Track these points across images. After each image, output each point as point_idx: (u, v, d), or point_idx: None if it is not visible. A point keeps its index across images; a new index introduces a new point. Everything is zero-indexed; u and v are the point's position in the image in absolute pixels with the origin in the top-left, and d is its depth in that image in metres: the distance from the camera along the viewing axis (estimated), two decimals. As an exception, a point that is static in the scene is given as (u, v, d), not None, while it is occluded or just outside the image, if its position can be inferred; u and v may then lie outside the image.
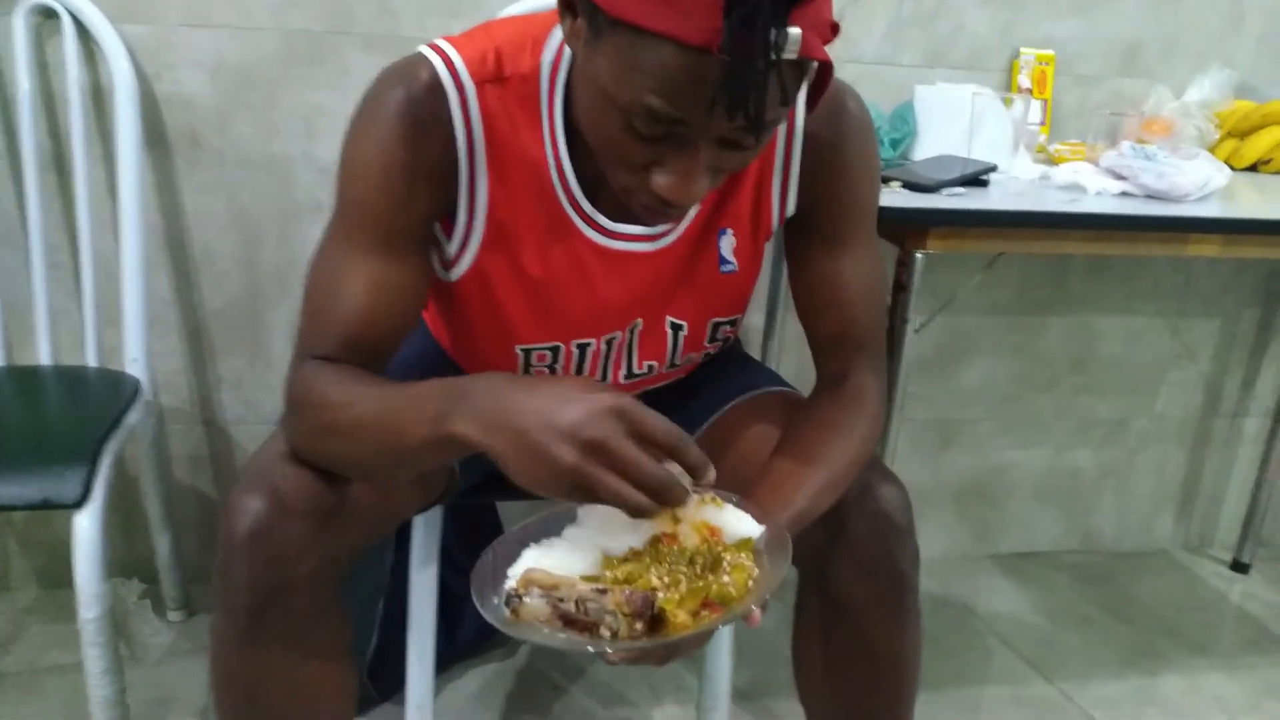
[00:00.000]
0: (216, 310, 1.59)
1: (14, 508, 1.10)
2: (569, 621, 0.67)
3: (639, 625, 0.66)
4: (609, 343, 0.98)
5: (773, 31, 0.63)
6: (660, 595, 0.67)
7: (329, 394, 0.80)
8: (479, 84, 0.83)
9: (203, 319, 1.59)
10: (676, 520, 0.72)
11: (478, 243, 0.89)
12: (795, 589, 1.01)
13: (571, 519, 0.76)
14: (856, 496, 0.91)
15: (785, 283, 1.55)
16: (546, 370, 0.98)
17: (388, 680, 1.40)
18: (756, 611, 0.70)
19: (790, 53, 0.65)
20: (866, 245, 0.97)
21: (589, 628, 0.66)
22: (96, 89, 1.45)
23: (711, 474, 0.70)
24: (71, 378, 1.44)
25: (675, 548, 0.71)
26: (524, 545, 0.74)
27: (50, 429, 1.25)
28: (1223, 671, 1.71)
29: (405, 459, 0.79)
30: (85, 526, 1.13)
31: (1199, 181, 1.35)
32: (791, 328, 1.62)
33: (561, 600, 0.67)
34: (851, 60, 1.63)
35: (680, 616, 0.67)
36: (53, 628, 1.57)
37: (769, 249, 1.03)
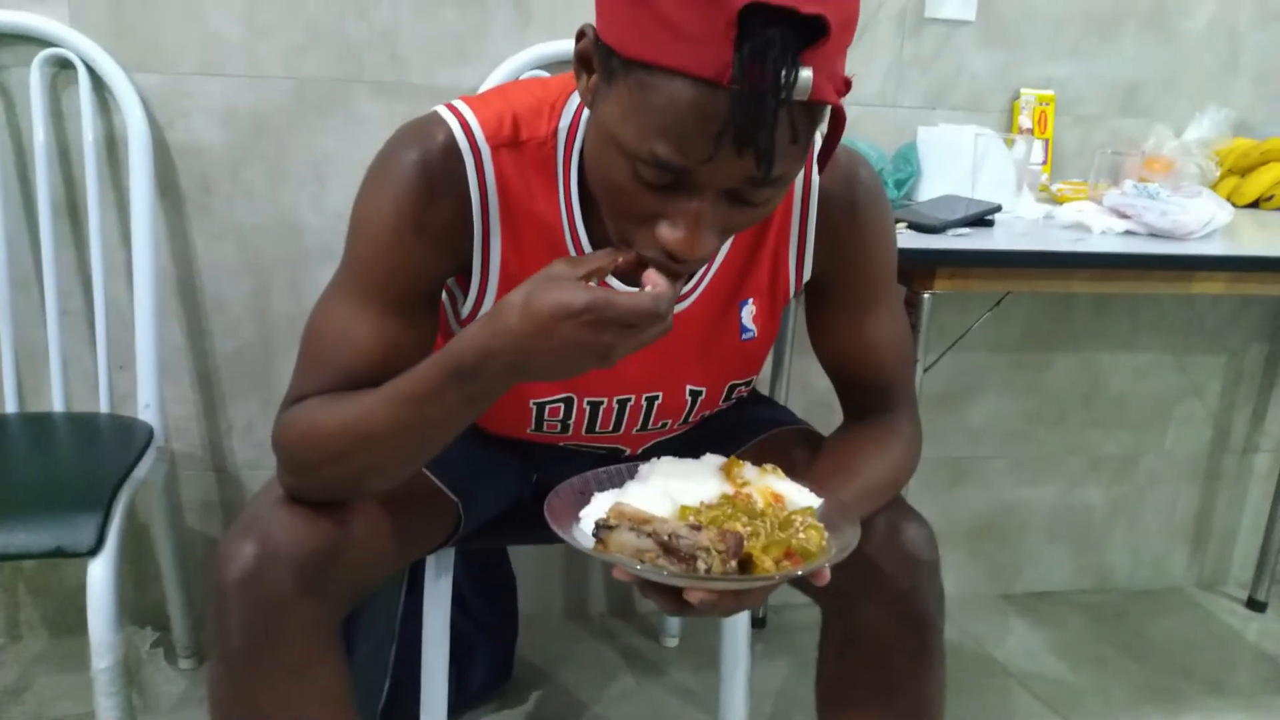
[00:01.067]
0: (228, 356, 1.60)
1: (28, 556, 1.10)
2: (665, 550, 0.67)
3: (733, 564, 0.67)
4: (622, 403, 0.98)
5: (784, 68, 0.63)
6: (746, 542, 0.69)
7: (318, 416, 0.80)
8: (494, 148, 0.83)
9: (214, 365, 1.60)
10: (743, 483, 0.75)
11: (491, 300, 0.89)
12: (818, 628, 1.01)
13: (632, 475, 0.79)
14: (883, 535, 0.91)
15: (792, 324, 1.58)
16: (559, 425, 0.98)
17: (399, 727, 1.38)
18: (827, 569, 0.71)
19: (801, 93, 0.64)
20: (889, 306, 0.98)
21: (679, 557, 0.67)
22: (110, 138, 1.47)
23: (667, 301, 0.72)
24: (84, 424, 1.44)
25: (750, 506, 0.73)
26: (586, 493, 0.78)
27: (63, 476, 1.26)
28: (1241, 712, 1.68)
29: (419, 424, 0.77)
30: (99, 575, 1.12)
31: (1202, 219, 1.36)
32: (798, 371, 1.64)
33: (652, 534, 0.68)
34: (853, 102, 1.65)
35: (765, 562, 0.68)
36: (63, 677, 1.55)
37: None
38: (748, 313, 0.95)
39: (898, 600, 0.92)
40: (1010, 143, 1.46)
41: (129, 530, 1.57)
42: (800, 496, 0.76)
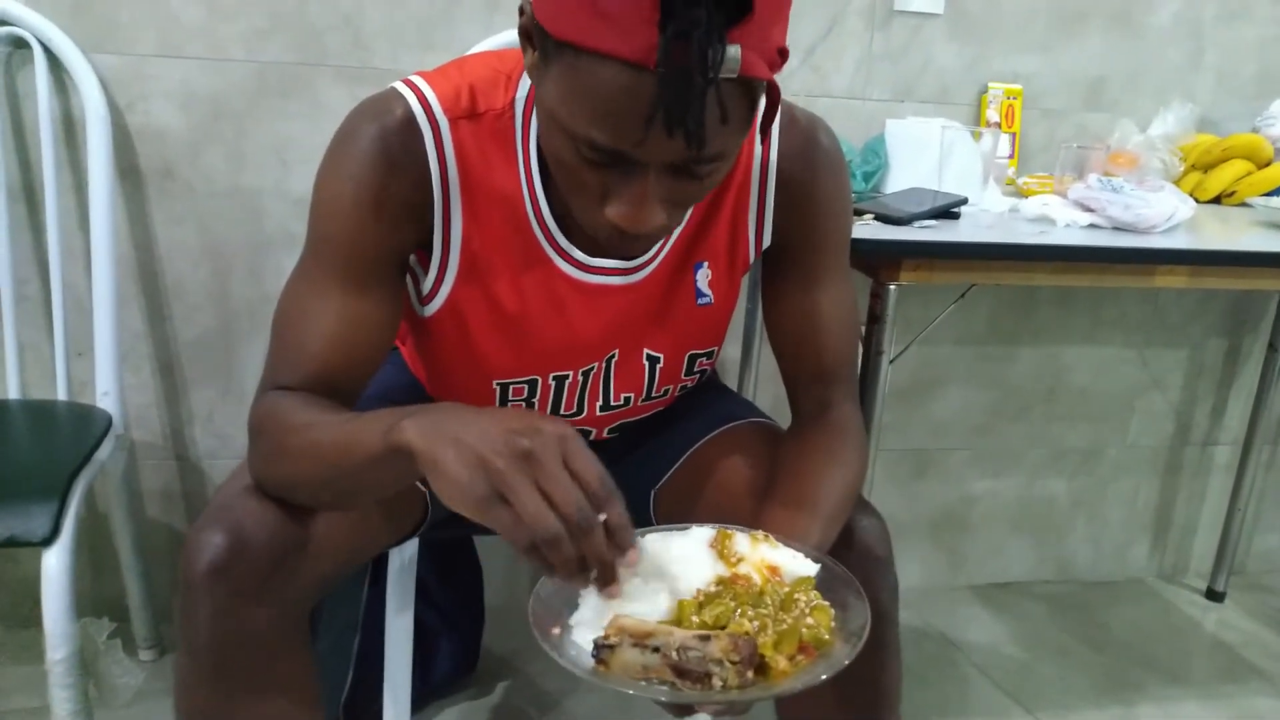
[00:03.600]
0: (188, 343, 1.58)
1: (-20, 545, 1.08)
2: (678, 673, 0.62)
3: (750, 674, 0.62)
4: (585, 374, 0.98)
5: (710, 47, 0.62)
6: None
7: (289, 418, 0.80)
8: (453, 120, 0.83)
9: (175, 352, 1.58)
10: (737, 560, 0.70)
11: (453, 277, 0.89)
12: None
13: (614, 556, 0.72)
14: (836, 538, 0.90)
15: (760, 316, 1.57)
16: (523, 405, 0.98)
17: (364, 717, 1.37)
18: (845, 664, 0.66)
19: (729, 71, 0.64)
20: (841, 278, 0.98)
21: (694, 678, 0.62)
22: (68, 119, 1.44)
23: (629, 542, 0.65)
24: (41, 412, 1.42)
25: (749, 588, 0.68)
26: (568, 588, 0.69)
27: (18, 465, 1.23)
28: (1198, 701, 1.71)
29: (358, 477, 0.75)
30: (54, 564, 1.10)
31: (1165, 213, 1.37)
32: (768, 360, 1.63)
33: (658, 649, 0.63)
34: (823, 95, 1.65)
35: (780, 663, 0.64)
36: (17, 669, 1.53)
37: (744, 282, 1.04)
38: (702, 276, 0.95)
39: None
40: (977, 136, 1.46)
41: (88, 520, 1.56)
42: (796, 565, 0.72)
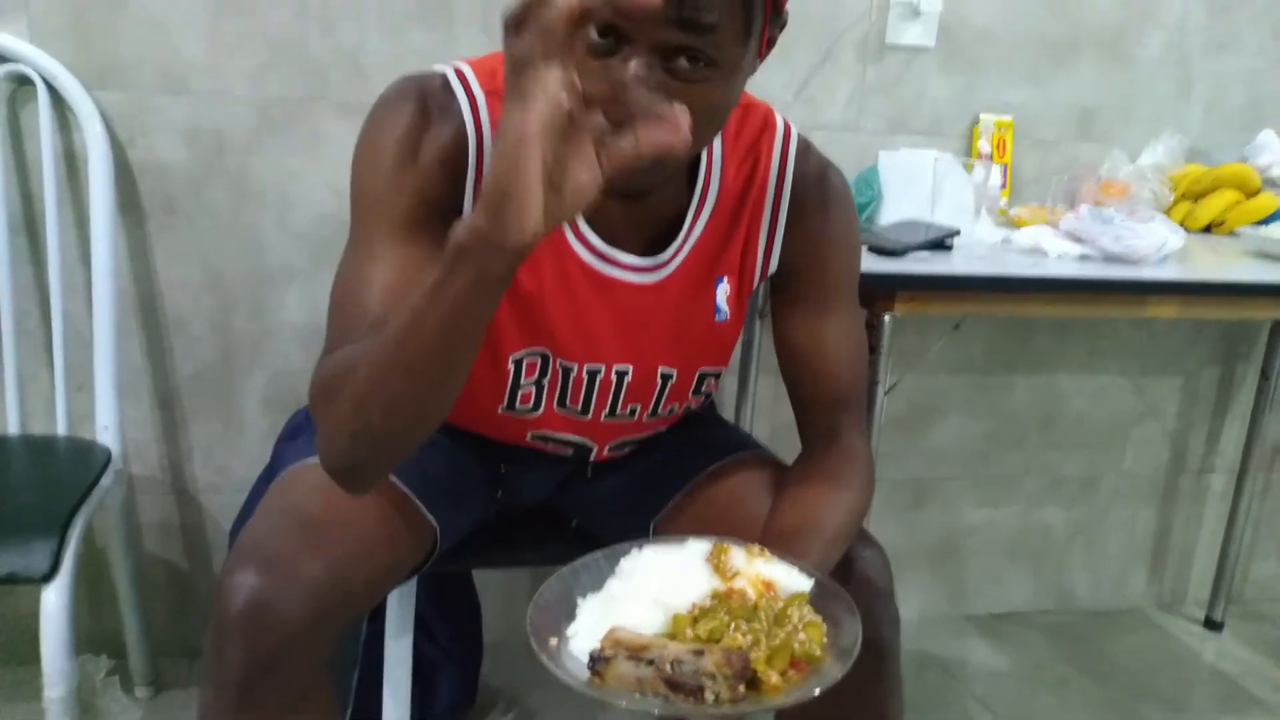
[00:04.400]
0: (189, 377, 1.58)
1: (-21, 582, 1.08)
2: (671, 686, 0.63)
3: (741, 688, 0.63)
4: (592, 375, 0.98)
5: None
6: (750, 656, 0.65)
7: (351, 352, 0.76)
8: (488, 93, 0.86)
9: (175, 386, 1.58)
10: (733, 574, 0.71)
11: None
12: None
13: (612, 569, 0.74)
14: (838, 561, 0.91)
15: (757, 345, 1.59)
16: (534, 389, 0.98)
17: (360, 753, 1.37)
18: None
19: None
20: (849, 309, 1.00)
21: (687, 691, 0.63)
22: (70, 155, 1.45)
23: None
24: (41, 447, 1.42)
25: (744, 603, 0.69)
26: (567, 598, 0.71)
27: (18, 500, 1.24)
28: (1199, 730, 1.71)
29: (435, 330, 0.68)
30: (53, 601, 1.11)
31: (1156, 244, 1.39)
32: (764, 392, 1.65)
33: (652, 661, 0.64)
34: (817, 127, 1.67)
35: (772, 678, 0.65)
36: (14, 707, 1.52)
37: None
38: (722, 291, 0.97)
39: None
40: (969, 168, 1.48)
41: (85, 554, 1.54)
42: (791, 580, 0.73)
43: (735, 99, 0.81)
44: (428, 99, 0.85)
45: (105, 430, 1.43)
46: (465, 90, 0.86)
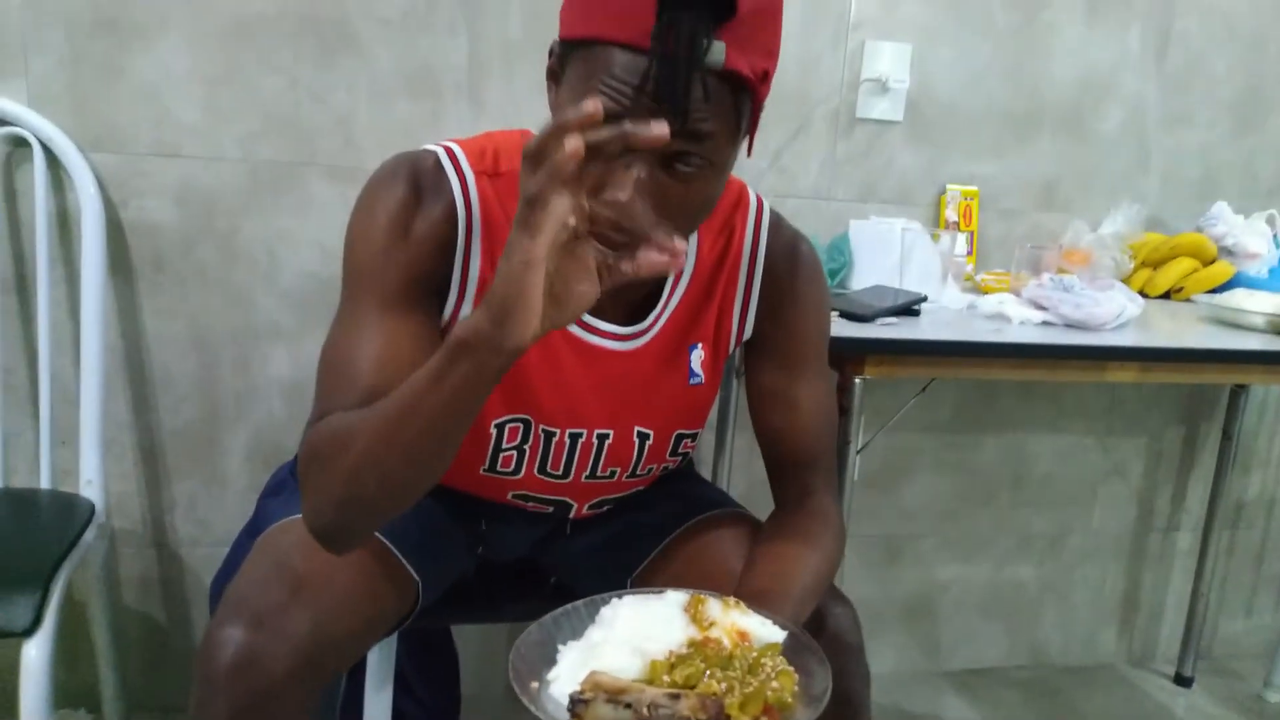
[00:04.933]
0: (173, 432, 1.60)
1: (-40, 636, 1.09)
2: None
3: None
4: (574, 438, 1.01)
5: (697, 37, 0.72)
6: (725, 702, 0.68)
7: (344, 419, 0.79)
8: (477, 174, 0.91)
9: (159, 441, 1.60)
10: (709, 624, 0.74)
11: (468, 311, 0.93)
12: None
13: (592, 617, 0.77)
14: (809, 618, 0.94)
15: (734, 404, 1.63)
16: (515, 453, 1.01)
17: (335, 811, 1.36)
18: None
19: (714, 61, 0.74)
20: (820, 373, 1.04)
21: None
22: (64, 214, 1.49)
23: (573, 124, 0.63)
24: (24, 500, 1.43)
25: (719, 651, 0.72)
26: (548, 645, 0.74)
27: (1, 554, 1.24)
28: (1168, 786, 1.73)
29: (428, 412, 0.73)
30: (34, 656, 1.11)
31: (1114, 311, 1.45)
32: (740, 450, 1.68)
33: (630, 705, 0.66)
34: (790, 195, 1.73)
35: None
36: (-15, 761, 1.51)
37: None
38: (696, 357, 1.02)
39: None
40: (936, 237, 1.54)
41: (64, 608, 1.55)
42: (765, 631, 0.77)
43: (723, 189, 0.86)
44: (420, 177, 0.89)
45: (89, 484, 1.44)
46: (456, 169, 0.91)
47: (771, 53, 0.80)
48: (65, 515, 1.35)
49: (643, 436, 1.03)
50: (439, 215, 0.89)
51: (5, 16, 1.42)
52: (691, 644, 0.73)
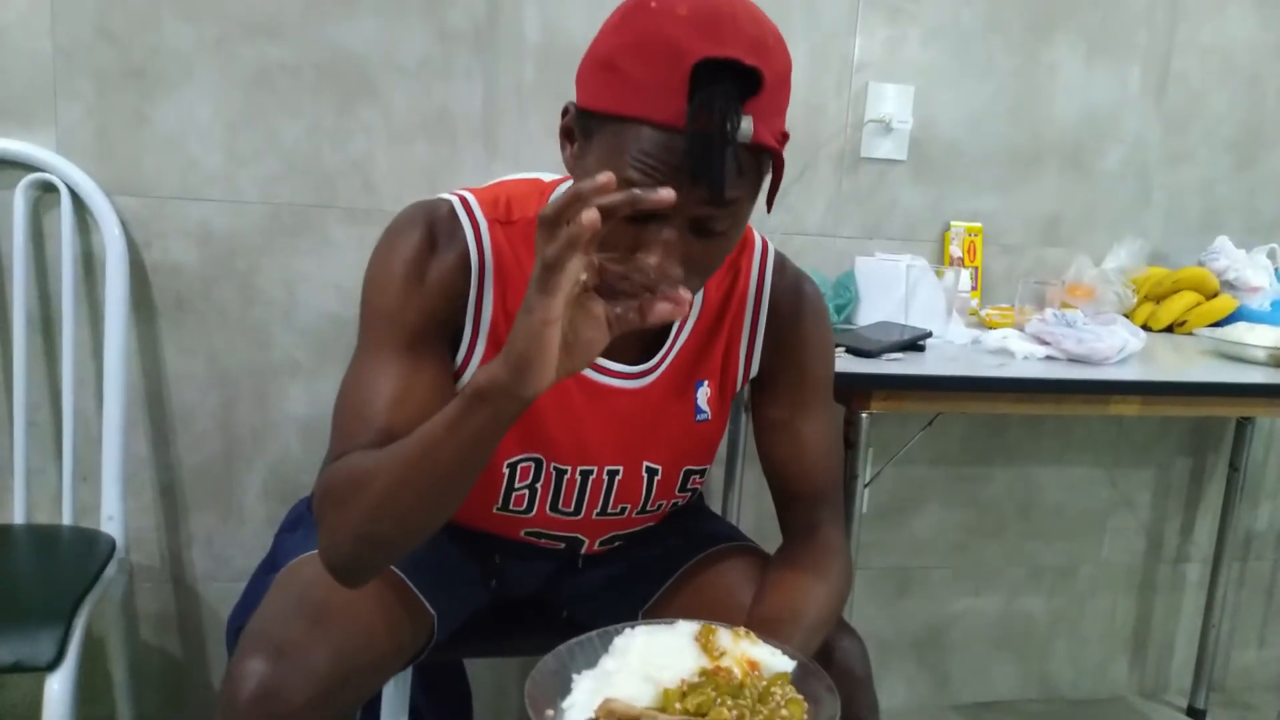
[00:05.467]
0: (192, 468, 1.63)
1: (-14, 670, 1.11)
2: None
3: None
4: (585, 475, 1.03)
5: (730, 115, 0.75)
6: None
7: (361, 460, 0.82)
8: (490, 221, 0.94)
9: (178, 476, 1.63)
10: (720, 654, 0.76)
11: (479, 358, 0.96)
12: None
13: (605, 647, 0.78)
14: (817, 650, 0.96)
15: (743, 439, 1.65)
16: (528, 492, 1.03)
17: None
18: None
19: (744, 135, 0.76)
20: (825, 410, 1.07)
21: None
22: (89, 256, 1.53)
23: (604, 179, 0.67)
24: (46, 536, 1.46)
25: (730, 680, 0.74)
26: (563, 674, 0.76)
27: (23, 589, 1.27)
28: (1181, 820, 1.72)
29: (444, 457, 0.77)
30: (56, 690, 1.14)
31: (1116, 346, 1.47)
32: (749, 483, 1.70)
33: None
34: (797, 232, 1.77)
35: None
36: (4, 795, 1.53)
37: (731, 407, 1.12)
38: (703, 394, 1.04)
39: None
40: (941, 273, 1.57)
41: (84, 641, 1.57)
42: (774, 661, 0.79)
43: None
44: (435, 225, 0.93)
45: (110, 520, 1.47)
46: (470, 217, 0.94)
47: (785, 113, 0.84)
48: (87, 551, 1.37)
49: (651, 472, 1.05)
50: (453, 262, 0.93)
51: (37, 66, 1.47)
52: (703, 673, 0.74)
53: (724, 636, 0.79)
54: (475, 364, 0.97)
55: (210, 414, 1.62)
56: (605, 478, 1.04)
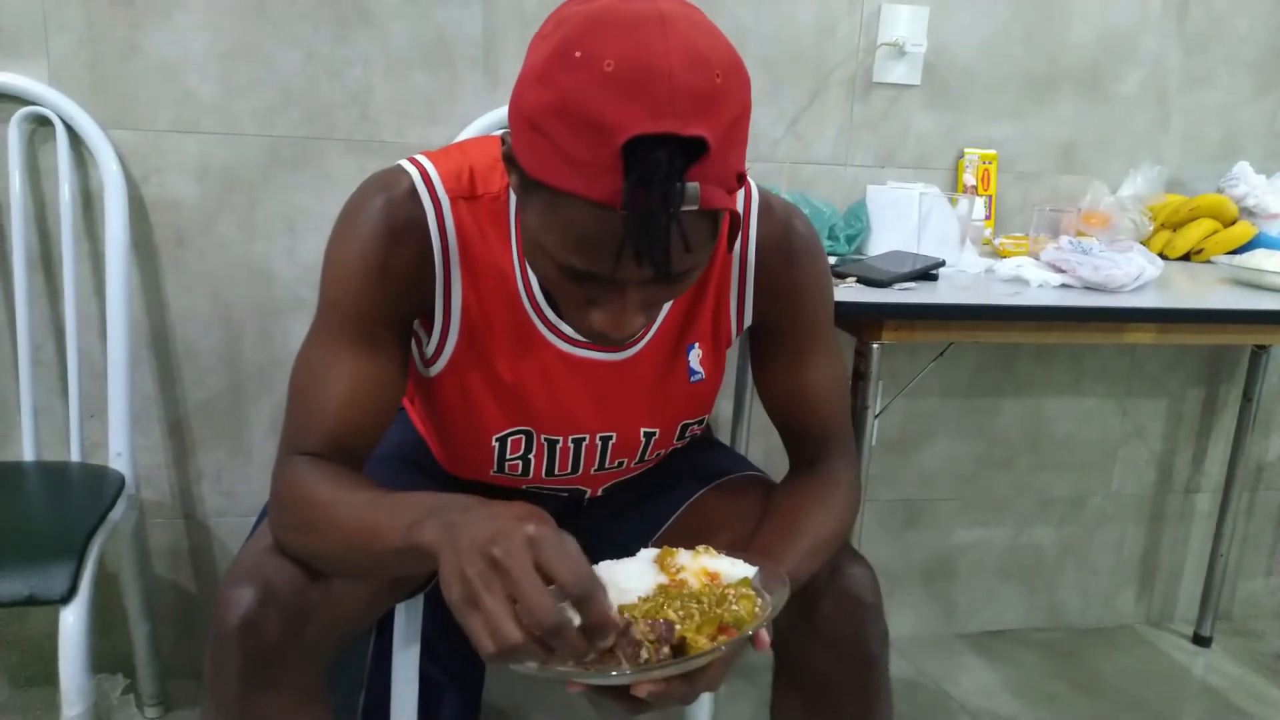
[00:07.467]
0: (198, 405, 1.63)
1: None
2: (601, 656, 0.67)
3: (666, 650, 0.68)
4: (578, 442, 1.02)
5: (670, 190, 0.68)
6: (679, 626, 0.70)
7: (314, 493, 0.84)
8: (453, 199, 0.90)
9: (185, 414, 1.63)
10: (678, 570, 0.76)
11: (453, 343, 0.95)
12: (771, 671, 1.05)
13: None
14: (826, 577, 0.95)
15: (751, 371, 1.63)
16: (521, 462, 1.03)
17: (366, 772, 1.40)
18: (765, 633, 0.73)
19: (690, 205, 0.70)
20: (825, 350, 1.03)
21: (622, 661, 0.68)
22: (86, 192, 1.51)
23: (606, 642, 0.66)
24: (55, 473, 1.46)
25: (685, 590, 0.74)
26: None
27: (35, 525, 1.28)
28: (1186, 744, 1.74)
29: (379, 562, 0.80)
30: (71, 622, 1.14)
31: (1133, 273, 1.44)
32: (759, 414, 1.69)
33: None
34: (806, 161, 1.73)
35: (700, 642, 0.70)
36: (27, 727, 1.56)
37: (736, 342, 1.10)
38: (695, 356, 1.01)
39: (842, 642, 0.96)
40: (954, 201, 1.54)
41: (97, 577, 1.59)
42: (734, 569, 0.78)
43: None
44: (394, 210, 0.88)
45: (118, 457, 1.47)
46: (431, 196, 0.89)
47: (742, 146, 0.76)
48: (96, 487, 1.38)
49: (648, 434, 1.04)
50: (414, 251, 0.89)
51: (24, -5, 1.43)
52: (660, 588, 0.75)
53: (683, 555, 0.79)
54: (451, 347, 0.95)
55: (215, 351, 1.61)
56: (599, 443, 1.03)
